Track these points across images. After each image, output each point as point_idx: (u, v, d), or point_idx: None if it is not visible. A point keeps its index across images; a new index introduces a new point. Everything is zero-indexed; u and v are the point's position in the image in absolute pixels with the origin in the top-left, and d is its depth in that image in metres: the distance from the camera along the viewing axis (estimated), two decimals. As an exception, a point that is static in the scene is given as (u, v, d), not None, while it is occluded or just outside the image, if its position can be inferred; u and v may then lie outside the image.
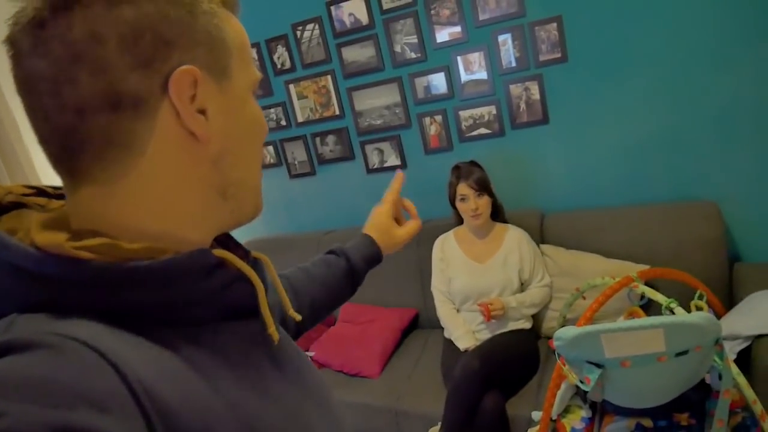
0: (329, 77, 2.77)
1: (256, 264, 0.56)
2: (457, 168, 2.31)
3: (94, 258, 0.43)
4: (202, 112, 0.47)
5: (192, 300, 0.48)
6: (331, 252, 0.98)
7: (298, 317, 0.65)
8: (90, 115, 0.43)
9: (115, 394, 0.37)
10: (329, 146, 2.93)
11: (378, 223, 1.01)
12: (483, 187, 2.23)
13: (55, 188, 0.52)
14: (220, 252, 0.50)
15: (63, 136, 0.44)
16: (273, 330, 0.54)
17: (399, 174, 1.03)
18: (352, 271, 0.95)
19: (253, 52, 2.87)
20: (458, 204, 2.28)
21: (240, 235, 3.22)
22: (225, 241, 0.59)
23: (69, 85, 0.42)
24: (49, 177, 0.48)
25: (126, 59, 0.42)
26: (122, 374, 0.38)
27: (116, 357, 0.39)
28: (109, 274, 0.43)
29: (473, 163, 2.31)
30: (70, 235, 0.44)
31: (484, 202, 2.24)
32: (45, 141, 0.45)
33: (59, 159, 0.46)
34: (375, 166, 2.87)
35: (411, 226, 1.03)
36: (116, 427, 0.35)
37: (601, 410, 1.80)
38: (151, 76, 0.44)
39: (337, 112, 2.83)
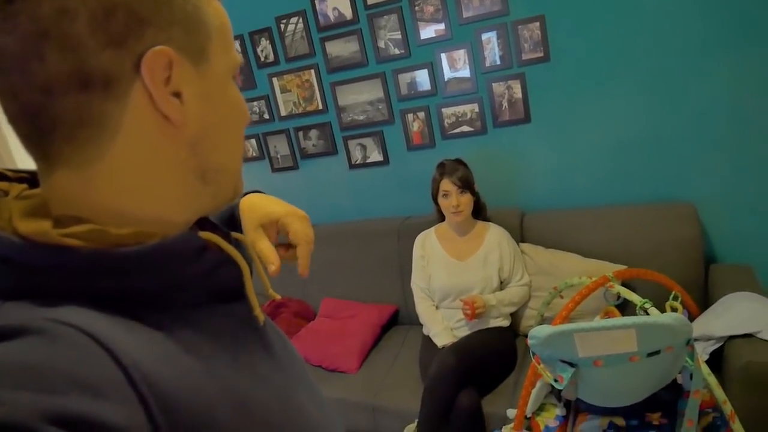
0: (313, 71, 2.75)
1: (237, 245, 0.55)
2: (442, 165, 2.31)
3: (81, 245, 0.42)
4: (178, 95, 0.45)
5: (181, 284, 0.47)
6: None
7: (277, 296, 0.65)
8: (59, 94, 0.41)
9: (111, 379, 0.36)
10: (312, 141, 2.92)
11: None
12: (466, 184, 2.23)
13: (14, 171, 0.50)
14: (206, 234, 0.50)
15: (32, 116, 0.42)
16: (259, 312, 0.55)
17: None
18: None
19: (237, 45, 2.84)
20: (440, 200, 2.28)
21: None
22: (201, 221, 0.58)
23: (37, 62, 0.40)
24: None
25: (97, 37, 0.40)
26: (117, 359, 0.37)
27: (111, 342, 0.38)
28: (99, 261, 0.42)
29: (458, 161, 2.31)
30: (54, 222, 0.43)
31: (466, 199, 2.24)
32: (14, 120, 0.44)
33: (30, 140, 0.44)
34: (358, 162, 2.86)
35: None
36: (113, 413, 0.35)
37: (575, 409, 1.81)
38: (123, 55, 0.42)
39: (321, 107, 2.81)
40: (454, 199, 2.22)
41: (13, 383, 0.33)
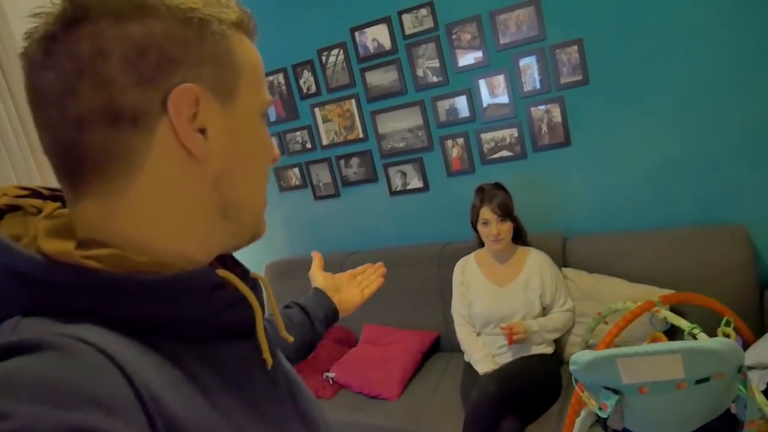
0: (353, 101, 2.82)
1: (254, 286, 0.56)
2: (481, 190, 2.29)
3: (101, 268, 0.43)
4: (203, 131, 0.47)
5: (192, 317, 0.48)
6: (288, 307, 0.99)
7: (291, 338, 0.65)
8: (89, 128, 0.43)
9: (123, 396, 0.37)
10: (353, 168, 2.97)
11: (326, 278, 1.05)
12: (506, 212, 2.20)
13: (50, 189, 0.52)
14: (223, 272, 0.51)
15: (65, 148, 0.45)
16: (267, 355, 0.54)
17: (315, 253, 1.09)
18: (314, 333, 0.96)
19: (280, 77, 2.95)
20: (480, 227, 2.26)
21: (265, 255, 3.27)
22: (223, 257, 0.58)
23: (71, 98, 0.43)
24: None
25: (128, 75, 0.43)
26: (129, 378, 0.38)
27: (124, 361, 0.39)
28: (116, 284, 0.43)
29: (497, 186, 2.29)
30: (77, 244, 0.44)
31: (506, 227, 2.22)
32: (49, 152, 0.46)
33: (62, 171, 0.46)
34: (398, 189, 2.89)
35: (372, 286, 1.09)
36: (123, 429, 0.35)
37: (622, 439, 1.74)
38: (152, 92, 0.44)
39: (361, 135, 2.87)
40: (494, 228, 2.20)
41: (30, 397, 0.33)
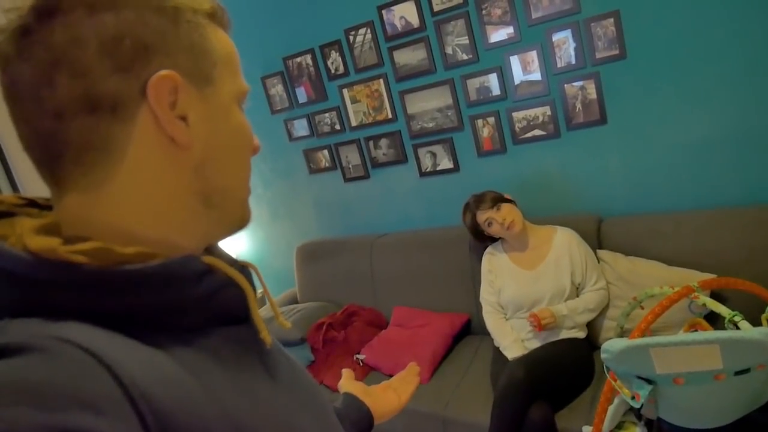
0: (381, 81, 2.77)
1: (243, 271, 0.55)
2: (466, 205, 2.33)
3: (87, 262, 0.43)
4: (183, 118, 0.47)
5: (182, 305, 0.47)
6: None
7: (288, 325, 0.64)
8: (68, 118, 0.43)
9: (111, 396, 0.37)
10: (382, 150, 2.93)
11: (356, 385, 0.94)
12: (496, 199, 2.22)
13: (46, 200, 0.53)
14: (208, 258, 0.50)
15: (44, 141, 0.45)
16: (265, 334, 0.54)
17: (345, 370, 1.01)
18: None
19: (308, 58, 2.92)
20: (491, 231, 2.26)
21: (296, 238, 3.28)
22: (210, 249, 0.59)
23: (49, 89, 0.43)
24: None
25: (105, 63, 0.43)
26: (117, 376, 0.38)
27: (111, 359, 0.38)
28: (103, 277, 0.43)
29: (480, 193, 2.30)
30: (63, 241, 0.44)
31: (507, 209, 2.20)
32: (29, 147, 0.46)
33: (43, 165, 0.47)
34: (428, 170, 2.84)
35: (408, 388, 0.97)
36: (112, 429, 0.35)
37: (657, 429, 1.69)
38: (130, 80, 0.44)
39: (390, 116, 2.83)
40: (497, 218, 2.20)
41: (14, 400, 0.33)
